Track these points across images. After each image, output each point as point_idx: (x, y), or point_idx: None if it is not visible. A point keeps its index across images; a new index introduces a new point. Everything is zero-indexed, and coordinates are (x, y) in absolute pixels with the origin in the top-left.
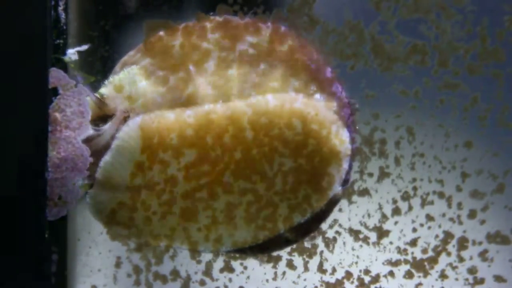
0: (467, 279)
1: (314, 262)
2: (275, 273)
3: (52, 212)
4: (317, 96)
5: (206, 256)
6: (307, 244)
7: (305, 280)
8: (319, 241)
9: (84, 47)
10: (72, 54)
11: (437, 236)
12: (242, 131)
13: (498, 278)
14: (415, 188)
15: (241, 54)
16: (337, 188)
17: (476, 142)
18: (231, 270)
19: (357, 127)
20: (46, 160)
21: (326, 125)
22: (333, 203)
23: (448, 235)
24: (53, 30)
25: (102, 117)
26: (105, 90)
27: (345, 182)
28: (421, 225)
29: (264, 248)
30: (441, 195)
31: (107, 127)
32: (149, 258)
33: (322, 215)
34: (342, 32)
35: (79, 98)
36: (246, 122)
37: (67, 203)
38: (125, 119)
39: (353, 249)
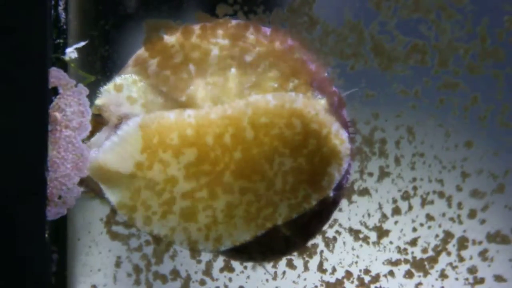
0: (467, 279)
1: (314, 262)
2: (275, 273)
3: (52, 212)
4: (317, 96)
5: (206, 256)
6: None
7: (305, 280)
8: (319, 240)
9: (82, 44)
10: (71, 52)
11: (437, 235)
12: (242, 131)
13: (498, 278)
14: (415, 188)
15: (241, 54)
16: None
17: (476, 142)
18: (231, 269)
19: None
20: (46, 160)
21: (326, 125)
22: (329, 204)
23: (448, 235)
24: (53, 29)
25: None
26: (100, 101)
27: (341, 182)
28: (421, 224)
29: (265, 251)
30: (441, 194)
31: (95, 139)
32: (149, 258)
33: (322, 216)
34: (342, 32)
35: (79, 98)
36: (246, 122)
37: (67, 203)
38: (116, 127)
39: (353, 248)
